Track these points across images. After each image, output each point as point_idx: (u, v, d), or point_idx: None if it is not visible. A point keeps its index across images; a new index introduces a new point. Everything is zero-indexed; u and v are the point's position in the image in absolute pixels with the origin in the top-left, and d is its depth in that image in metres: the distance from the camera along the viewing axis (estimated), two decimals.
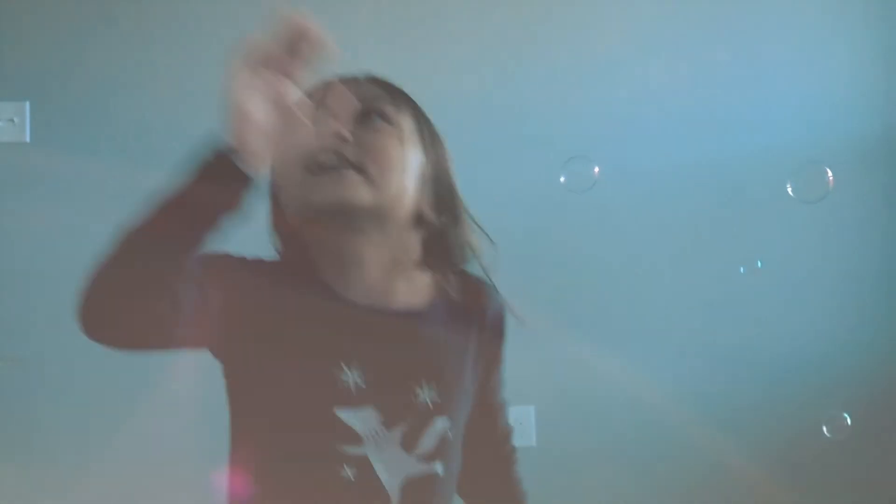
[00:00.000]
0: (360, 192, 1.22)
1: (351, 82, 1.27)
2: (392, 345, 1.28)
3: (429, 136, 1.34)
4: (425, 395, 1.29)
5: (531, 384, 2.85)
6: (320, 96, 1.21)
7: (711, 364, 2.90)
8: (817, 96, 3.02)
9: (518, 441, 2.81)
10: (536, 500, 2.82)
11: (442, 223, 1.33)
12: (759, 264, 2.31)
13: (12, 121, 2.72)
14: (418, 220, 1.31)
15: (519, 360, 2.82)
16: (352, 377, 1.24)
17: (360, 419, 1.24)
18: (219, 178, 1.05)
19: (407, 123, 1.30)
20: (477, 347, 1.40)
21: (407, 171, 1.27)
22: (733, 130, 2.99)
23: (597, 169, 1.65)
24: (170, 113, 2.79)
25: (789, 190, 1.87)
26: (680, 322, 2.93)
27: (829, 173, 1.84)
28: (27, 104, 2.76)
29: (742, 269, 2.43)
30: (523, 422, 2.83)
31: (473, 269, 1.40)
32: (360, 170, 1.22)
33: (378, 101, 1.29)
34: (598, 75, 2.96)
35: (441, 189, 1.33)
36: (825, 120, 3.02)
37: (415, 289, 1.33)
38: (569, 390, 2.86)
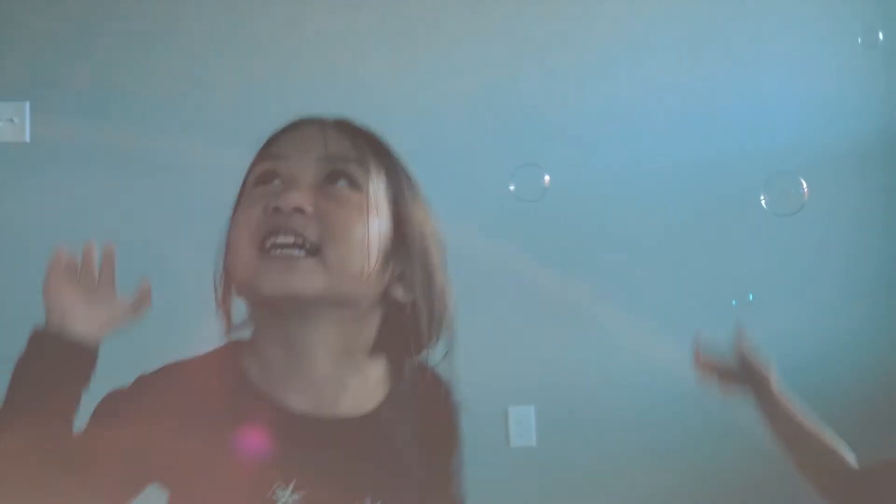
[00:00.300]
0: (312, 281, 1.06)
1: (317, 130, 1.14)
2: (335, 459, 1.11)
3: (403, 195, 1.17)
4: None
5: (531, 384, 2.86)
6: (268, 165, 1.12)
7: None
8: (816, 96, 3.03)
9: (518, 441, 2.86)
10: (536, 500, 2.84)
11: (411, 300, 1.15)
12: (751, 297, 2.29)
13: (12, 121, 2.72)
14: (382, 299, 1.15)
15: (519, 360, 2.85)
16: (288, 500, 1.07)
17: None
18: (58, 359, 1.08)
19: (377, 186, 1.13)
20: (430, 446, 1.23)
21: (372, 248, 1.10)
22: (731, 130, 3.00)
23: (547, 178, 1.57)
24: (169, 113, 2.79)
25: (763, 202, 1.79)
26: (679, 322, 2.92)
27: (804, 185, 1.76)
28: (27, 104, 2.76)
29: (734, 302, 2.42)
30: (523, 422, 2.83)
31: (436, 354, 1.21)
32: (316, 251, 1.07)
33: (345, 161, 1.11)
34: (594, 76, 2.97)
35: (414, 259, 1.15)
36: (824, 120, 3.02)
37: (366, 386, 1.16)
38: (569, 390, 2.86)
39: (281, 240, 1.06)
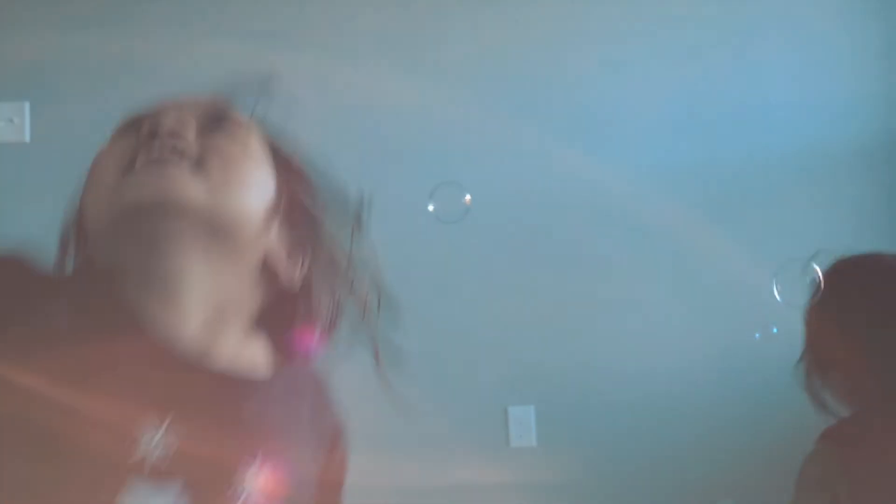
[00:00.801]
0: (190, 187, 0.91)
1: (192, 100, 1.01)
2: (213, 412, 0.94)
3: (287, 164, 1.04)
4: (248, 483, 0.94)
5: (531, 384, 2.86)
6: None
7: (710, 364, 2.90)
8: (818, 97, 3.02)
9: (518, 441, 2.86)
10: (536, 500, 2.83)
11: (296, 283, 1.02)
12: (775, 330, 2.28)
13: (12, 121, 2.72)
14: (263, 269, 1.00)
15: (519, 360, 2.85)
16: (157, 443, 0.89)
17: (159, 498, 0.89)
18: None
19: (258, 144, 1.01)
20: (315, 450, 1.06)
21: (257, 191, 0.97)
22: (732, 132, 2.99)
23: (468, 197, 1.48)
24: None
25: (776, 293, 1.73)
26: (679, 321, 2.93)
27: (818, 270, 1.74)
28: (27, 104, 2.75)
29: (757, 335, 2.40)
30: (523, 422, 2.83)
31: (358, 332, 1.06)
32: (198, 166, 0.93)
33: (229, 109, 1.01)
34: (595, 76, 2.97)
35: (304, 232, 1.03)
36: (826, 121, 3.01)
37: (243, 352, 1.00)
38: (569, 390, 2.86)
39: (155, 155, 0.90)
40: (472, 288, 2.86)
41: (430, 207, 1.48)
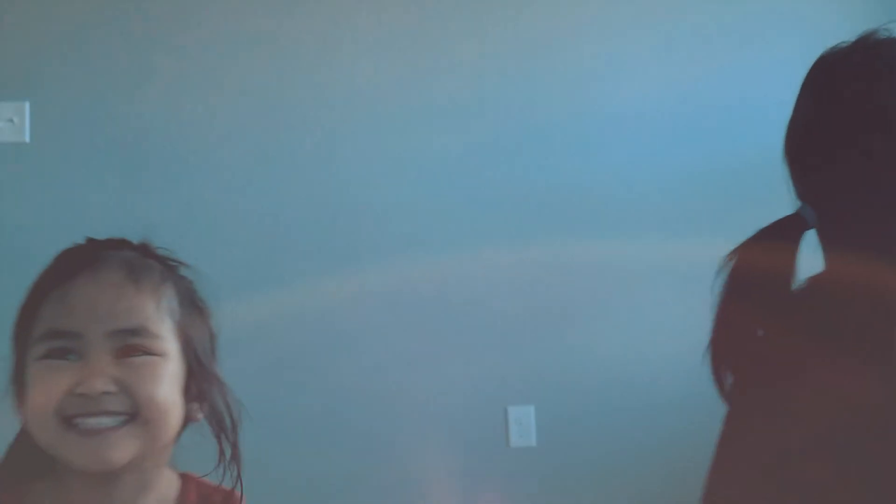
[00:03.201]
0: (127, 450, 1.08)
1: (104, 292, 1.11)
2: None
3: (190, 312, 1.18)
4: None
5: (531, 384, 2.85)
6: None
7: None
8: None
9: (518, 441, 2.85)
10: (536, 500, 2.83)
11: (209, 415, 1.19)
12: None
13: (12, 121, 2.71)
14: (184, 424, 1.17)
15: (519, 360, 2.85)
16: None
17: None
18: None
19: (170, 341, 1.13)
20: None
21: (176, 401, 1.13)
22: (731, 130, 2.99)
23: None
24: (168, 113, 2.78)
25: None
26: (679, 322, 2.92)
27: None
28: (27, 104, 2.75)
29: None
30: (523, 422, 2.83)
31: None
32: (128, 420, 1.08)
33: (137, 335, 1.10)
34: (593, 76, 2.97)
35: (208, 380, 1.18)
36: None
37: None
38: (569, 390, 2.86)
39: (90, 423, 1.07)
40: (472, 289, 2.86)
41: None
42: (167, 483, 1.17)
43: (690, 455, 2.83)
